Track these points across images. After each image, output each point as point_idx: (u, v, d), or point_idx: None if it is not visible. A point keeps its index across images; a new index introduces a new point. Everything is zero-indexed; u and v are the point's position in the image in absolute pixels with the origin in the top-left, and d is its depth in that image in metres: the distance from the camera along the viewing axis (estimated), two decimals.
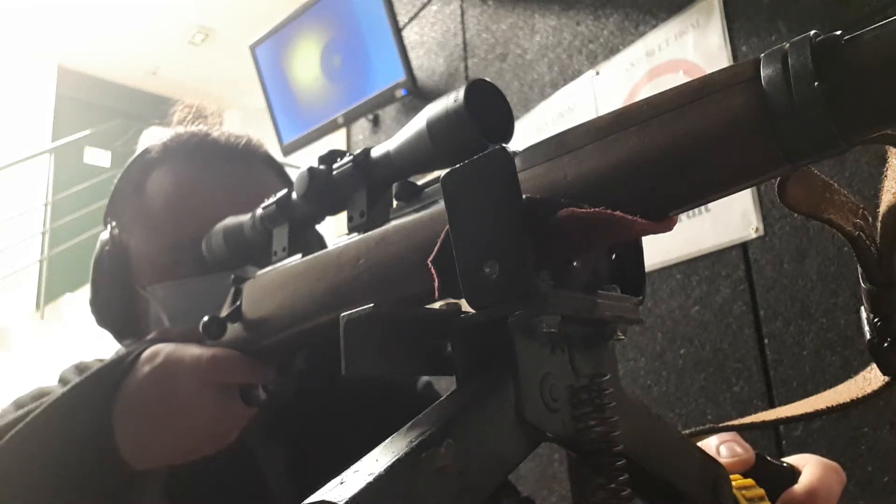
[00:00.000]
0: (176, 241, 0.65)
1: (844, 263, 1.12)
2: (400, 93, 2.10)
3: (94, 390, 0.50)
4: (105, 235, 0.72)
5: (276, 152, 1.29)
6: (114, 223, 0.72)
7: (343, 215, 0.45)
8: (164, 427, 0.50)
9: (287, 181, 0.73)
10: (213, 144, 0.72)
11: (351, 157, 0.43)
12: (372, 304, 0.31)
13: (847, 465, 0.45)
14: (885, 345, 0.32)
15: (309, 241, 0.51)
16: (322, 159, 0.46)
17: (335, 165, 0.44)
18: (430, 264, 0.32)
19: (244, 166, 0.72)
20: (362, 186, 0.43)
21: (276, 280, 0.48)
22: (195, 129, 0.74)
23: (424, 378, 0.78)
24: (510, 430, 0.28)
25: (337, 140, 2.51)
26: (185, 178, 0.69)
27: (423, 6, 2.23)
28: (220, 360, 0.50)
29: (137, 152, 0.73)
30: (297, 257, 0.48)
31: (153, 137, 0.74)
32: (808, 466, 0.43)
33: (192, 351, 0.51)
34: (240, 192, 0.67)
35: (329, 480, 0.24)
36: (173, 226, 0.66)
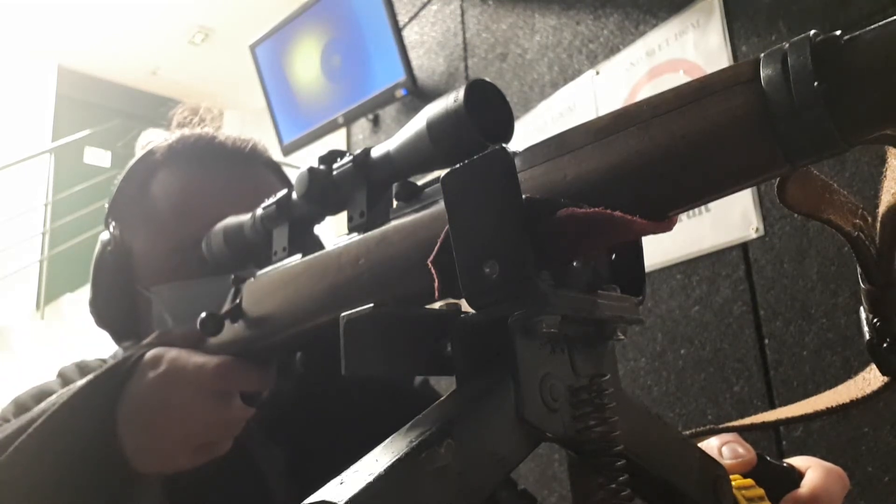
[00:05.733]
0: (181, 243, 0.65)
1: (844, 263, 1.12)
2: (400, 93, 2.10)
3: (97, 396, 0.50)
4: (105, 236, 0.71)
5: (276, 152, 1.29)
6: (115, 224, 0.72)
7: (343, 215, 0.45)
8: (164, 434, 0.50)
9: (288, 186, 0.74)
10: (219, 148, 0.72)
11: (351, 157, 0.43)
12: (372, 304, 0.31)
13: (847, 466, 0.45)
14: (885, 345, 0.32)
15: (308, 242, 0.51)
16: (322, 159, 0.46)
17: (335, 165, 0.44)
18: (430, 264, 0.32)
19: (249, 170, 0.72)
20: (362, 186, 0.43)
21: (276, 280, 0.48)
22: (201, 131, 0.74)
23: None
24: (510, 430, 0.28)
25: (337, 140, 2.51)
26: (192, 181, 0.69)
27: (423, 6, 2.23)
28: (224, 369, 0.50)
29: (138, 154, 0.73)
30: (297, 257, 0.48)
31: (150, 140, 0.74)
32: (812, 470, 0.43)
33: (196, 359, 0.50)
34: (245, 195, 0.67)
35: (329, 480, 0.24)
36: (179, 227, 0.66)
